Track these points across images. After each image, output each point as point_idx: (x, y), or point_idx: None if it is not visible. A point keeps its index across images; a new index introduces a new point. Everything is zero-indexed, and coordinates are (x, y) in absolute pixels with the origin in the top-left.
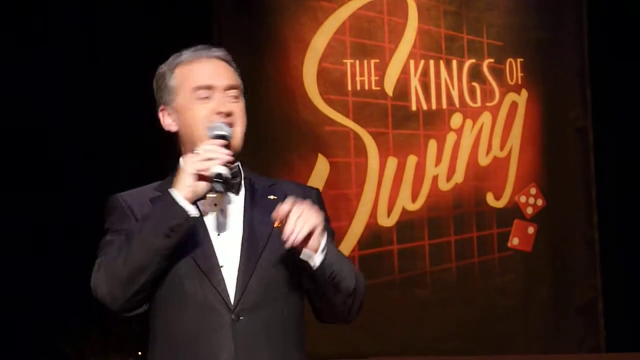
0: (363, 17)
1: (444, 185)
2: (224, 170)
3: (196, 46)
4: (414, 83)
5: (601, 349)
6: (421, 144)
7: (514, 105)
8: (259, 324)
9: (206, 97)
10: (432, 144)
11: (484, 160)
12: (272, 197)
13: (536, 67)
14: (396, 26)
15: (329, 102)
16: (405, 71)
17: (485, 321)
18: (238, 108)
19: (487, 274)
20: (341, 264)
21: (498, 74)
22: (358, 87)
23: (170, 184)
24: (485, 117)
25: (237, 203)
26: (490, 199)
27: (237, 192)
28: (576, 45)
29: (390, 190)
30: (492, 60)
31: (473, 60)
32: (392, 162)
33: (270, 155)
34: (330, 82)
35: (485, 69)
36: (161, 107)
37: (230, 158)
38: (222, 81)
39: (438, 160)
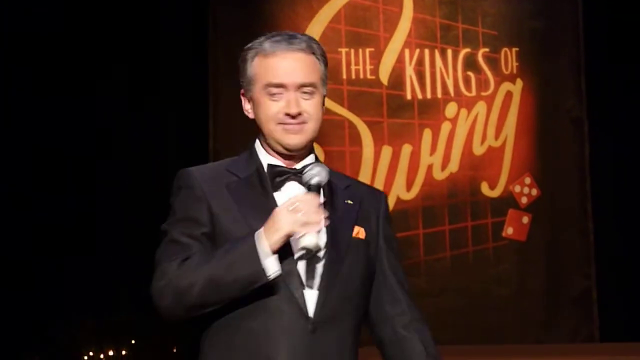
0: (358, 6)
1: (439, 175)
2: (312, 243)
3: (281, 33)
4: (409, 72)
5: (595, 339)
6: (416, 133)
7: (509, 94)
8: (334, 337)
9: (278, 94)
10: (427, 133)
11: (478, 150)
12: (349, 201)
13: (531, 56)
14: (391, 15)
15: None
16: (400, 60)
17: (479, 310)
18: (310, 105)
19: (482, 263)
20: None
21: (493, 63)
22: (353, 76)
23: (245, 165)
24: (480, 107)
25: None
26: (485, 188)
27: (317, 191)
28: (572, 35)
29: (385, 179)
30: (487, 49)
31: (468, 50)
32: (386, 151)
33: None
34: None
35: (480, 59)
36: (242, 91)
37: (322, 226)
38: (295, 79)
39: (433, 150)
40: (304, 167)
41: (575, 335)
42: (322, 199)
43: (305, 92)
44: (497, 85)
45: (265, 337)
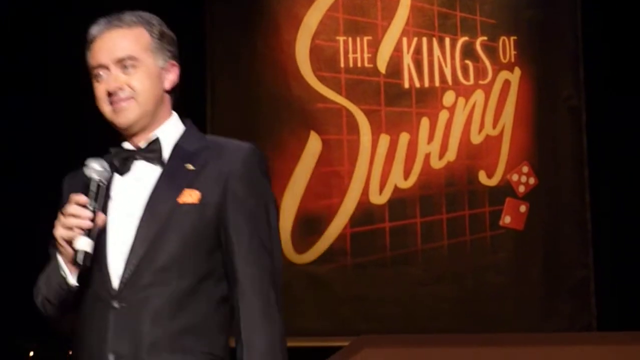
0: (353, 5)
1: (436, 163)
2: (83, 244)
3: (107, 16)
4: (407, 60)
5: (593, 327)
6: (413, 122)
7: (506, 83)
8: (149, 309)
9: (101, 75)
10: (425, 122)
11: (476, 139)
12: (190, 166)
13: (529, 45)
14: (389, 3)
15: (322, 79)
16: (398, 49)
17: (476, 299)
18: (134, 79)
19: (479, 252)
20: None
21: (491, 52)
22: (351, 64)
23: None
24: (478, 95)
25: (154, 177)
26: (482, 177)
27: (159, 164)
28: (570, 24)
29: (383, 168)
30: (485, 38)
31: (466, 38)
32: (384, 140)
33: (262, 132)
34: (323, 59)
35: (478, 47)
36: None
37: (89, 224)
38: (110, 55)
39: (430, 138)
40: (148, 145)
41: (572, 324)
42: (93, 196)
43: (125, 67)
44: (495, 73)
45: (82, 320)
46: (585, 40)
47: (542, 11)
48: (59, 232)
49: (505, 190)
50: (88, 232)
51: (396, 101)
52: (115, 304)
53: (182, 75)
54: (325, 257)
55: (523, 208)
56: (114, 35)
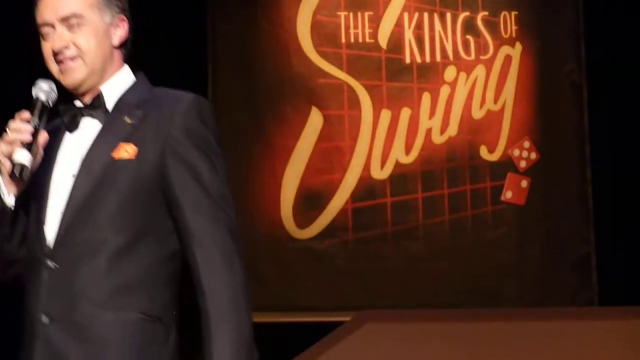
0: None
1: (438, 139)
2: (21, 158)
3: None
4: (408, 36)
5: (594, 303)
6: (415, 97)
7: (507, 58)
8: (84, 269)
9: (48, 34)
10: (426, 97)
11: (477, 114)
12: (128, 119)
13: (530, 20)
14: None
15: (323, 55)
16: (399, 24)
17: (478, 274)
18: (80, 38)
19: (480, 227)
20: None
21: (492, 27)
22: (352, 40)
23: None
24: (479, 70)
25: (95, 133)
26: (483, 152)
27: (103, 119)
28: (571, 6)
29: (384, 143)
30: (486, 13)
31: (467, 13)
32: (385, 115)
33: (264, 107)
34: (324, 35)
35: (479, 22)
36: None
37: (29, 138)
38: (54, 13)
39: (432, 113)
40: (92, 100)
41: (574, 299)
42: (36, 114)
43: (71, 25)
44: (496, 49)
45: (24, 281)
46: (586, 15)
47: None
48: (1, 148)
49: (506, 165)
50: (29, 148)
51: (397, 76)
52: (50, 263)
53: (186, 51)
54: (326, 232)
55: (524, 183)
56: None
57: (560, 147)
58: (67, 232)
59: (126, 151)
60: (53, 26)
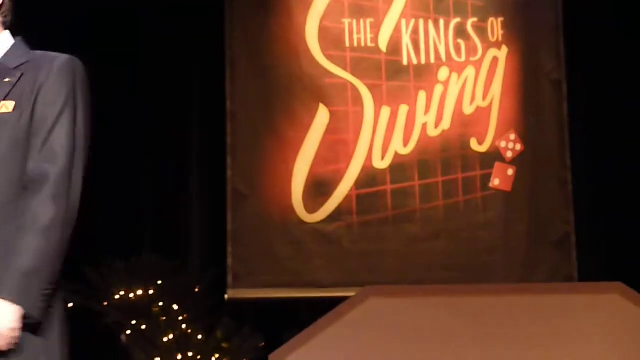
0: None
1: (432, 132)
2: None
3: None
4: (406, 40)
5: (574, 278)
6: (412, 95)
7: (495, 60)
8: None
9: None
10: (422, 95)
11: (468, 109)
12: (7, 79)
13: (515, 25)
14: None
15: (329, 57)
16: (397, 29)
17: (469, 253)
18: None
19: (471, 211)
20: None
21: (481, 31)
22: (355, 44)
23: None
24: (469, 71)
25: None
26: (474, 144)
27: None
28: (551, 5)
29: (384, 136)
30: (475, 19)
31: (458, 20)
32: (385, 111)
33: (276, 104)
34: (330, 39)
35: (469, 27)
36: None
37: None
38: None
39: (427, 109)
40: None
41: (555, 275)
42: None
43: None
44: (485, 51)
45: None
46: (565, 19)
47: None
48: None
49: (494, 155)
50: None
51: (396, 76)
52: None
53: (207, 56)
54: (333, 216)
55: (510, 171)
56: None
57: (543, 138)
58: None
59: (5, 107)
60: None
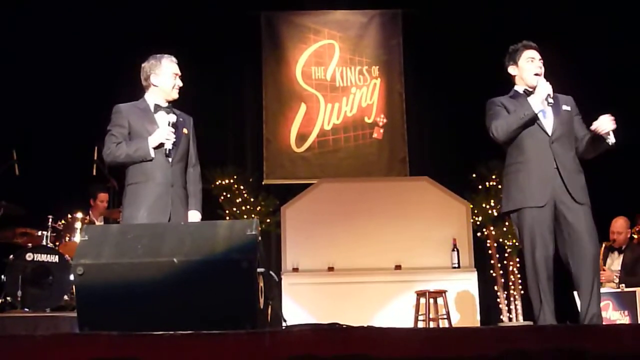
0: (318, 54)
1: (349, 114)
2: (169, 146)
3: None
4: (337, 74)
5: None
6: (340, 98)
7: (374, 84)
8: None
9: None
10: (344, 99)
11: (364, 104)
12: (181, 119)
13: (384, 69)
14: (331, 52)
15: (306, 82)
16: (334, 71)
17: (363, 162)
18: None
19: (365, 147)
20: None
21: (369, 72)
22: (315, 77)
23: (145, 104)
24: (364, 89)
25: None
26: (366, 119)
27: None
28: (398, 62)
29: (329, 116)
30: (367, 66)
31: (359, 67)
32: (329, 106)
33: (282, 102)
34: (306, 75)
35: (364, 70)
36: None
37: (170, 137)
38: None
39: (348, 105)
40: (168, 104)
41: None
42: (171, 123)
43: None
44: (370, 80)
45: (145, 185)
46: (405, 65)
47: (387, 52)
48: (161, 138)
49: (374, 124)
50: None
51: (333, 90)
52: None
53: (253, 78)
54: (308, 149)
55: (381, 130)
56: None
57: (394, 116)
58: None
59: (185, 131)
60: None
